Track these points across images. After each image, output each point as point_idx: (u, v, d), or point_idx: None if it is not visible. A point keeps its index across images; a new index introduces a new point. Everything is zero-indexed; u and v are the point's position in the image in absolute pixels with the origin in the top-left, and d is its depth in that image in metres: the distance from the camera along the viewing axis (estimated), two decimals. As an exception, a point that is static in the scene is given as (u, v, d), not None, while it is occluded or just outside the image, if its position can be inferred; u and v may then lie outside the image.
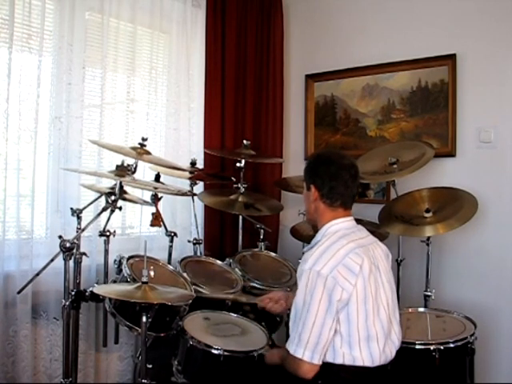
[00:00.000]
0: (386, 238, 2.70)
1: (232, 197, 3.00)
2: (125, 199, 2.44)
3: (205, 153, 3.21)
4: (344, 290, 1.76)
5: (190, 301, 2.19)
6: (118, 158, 2.31)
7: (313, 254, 1.81)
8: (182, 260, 2.67)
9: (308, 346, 1.75)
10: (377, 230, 2.68)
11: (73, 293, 2.17)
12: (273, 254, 3.02)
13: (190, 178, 2.92)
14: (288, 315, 1.87)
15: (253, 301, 2.38)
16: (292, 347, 1.78)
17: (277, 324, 2.63)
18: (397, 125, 3.17)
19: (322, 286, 1.75)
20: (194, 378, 2.12)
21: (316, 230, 2.00)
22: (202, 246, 3.00)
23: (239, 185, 3.03)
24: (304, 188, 2.04)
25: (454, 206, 2.56)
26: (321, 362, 1.76)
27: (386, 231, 2.74)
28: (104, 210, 2.23)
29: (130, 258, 2.36)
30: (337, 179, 1.91)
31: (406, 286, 2.85)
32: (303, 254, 1.92)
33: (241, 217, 3.10)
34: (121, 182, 2.25)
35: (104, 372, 2.87)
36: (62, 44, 2.61)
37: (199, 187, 3.09)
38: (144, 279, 1.92)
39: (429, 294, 2.63)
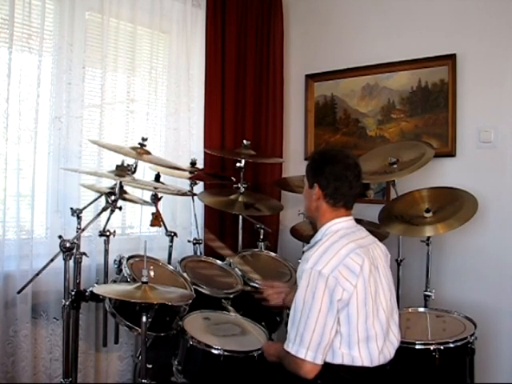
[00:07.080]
0: (385, 238, 2.69)
1: (232, 197, 3.00)
2: (125, 199, 2.44)
3: (205, 153, 3.21)
4: (345, 290, 1.75)
5: (190, 301, 2.19)
6: (118, 158, 2.31)
7: (314, 254, 1.80)
8: (182, 260, 2.67)
9: (310, 346, 1.73)
10: (377, 229, 2.67)
11: (73, 293, 2.18)
12: (273, 254, 3.02)
13: (189, 178, 2.92)
14: (288, 315, 1.86)
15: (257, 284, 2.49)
16: (294, 347, 1.77)
17: (277, 324, 2.64)
18: (397, 125, 3.17)
19: (323, 286, 1.74)
20: (193, 378, 2.12)
21: (315, 227, 1.99)
22: (201, 246, 3.00)
23: (239, 185, 3.02)
24: (305, 185, 2.00)
25: (454, 206, 2.55)
26: (323, 362, 1.76)
27: (386, 231, 2.73)
28: (104, 210, 2.23)
29: (129, 257, 2.36)
30: (342, 180, 1.88)
31: (406, 286, 2.85)
32: (303, 253, 1.91)
33: (241, 217, 3.10)
34: (121, 182, 2.25)
35: (104, 372, 2.87)
36: (61, 44, 2.61)
37: (199, 187, 3.09)
38: (144, 279, 1.93)
39: (429, 293, 2.62)
